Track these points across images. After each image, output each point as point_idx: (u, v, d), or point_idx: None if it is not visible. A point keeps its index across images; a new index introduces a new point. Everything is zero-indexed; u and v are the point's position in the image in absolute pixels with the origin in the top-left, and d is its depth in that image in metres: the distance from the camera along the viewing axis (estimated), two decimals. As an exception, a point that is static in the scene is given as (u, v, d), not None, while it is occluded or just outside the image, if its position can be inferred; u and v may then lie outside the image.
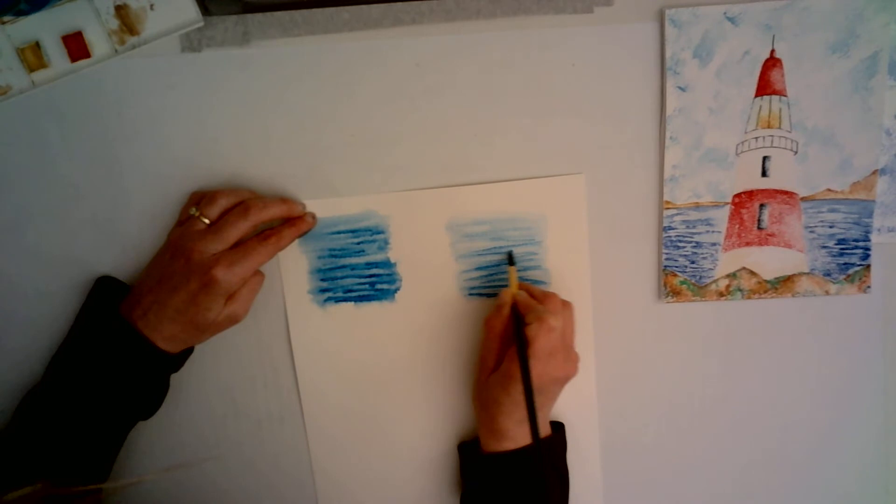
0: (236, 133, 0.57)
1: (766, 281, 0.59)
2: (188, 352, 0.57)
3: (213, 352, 0.59)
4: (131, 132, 0.57)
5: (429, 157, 0.58)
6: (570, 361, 0.54)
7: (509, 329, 0.53)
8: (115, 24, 0.54)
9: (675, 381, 0.61)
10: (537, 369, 0.50)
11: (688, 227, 0.59)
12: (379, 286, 0.59)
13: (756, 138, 0.57)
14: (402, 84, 0.57)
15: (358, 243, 0.59)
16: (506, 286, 0.58)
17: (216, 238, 0.52)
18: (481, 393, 0.55)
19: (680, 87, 0.57)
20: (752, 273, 0.59)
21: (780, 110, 0.57)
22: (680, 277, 0.59)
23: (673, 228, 0.59)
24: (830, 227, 0.58)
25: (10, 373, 0.57)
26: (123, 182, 0.57)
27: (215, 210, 0.53)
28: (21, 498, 0.44)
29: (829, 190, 0.58)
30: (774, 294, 0.59)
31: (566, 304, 0.55)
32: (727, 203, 0.58)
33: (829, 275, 0.59)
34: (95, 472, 0.54)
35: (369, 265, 0.59)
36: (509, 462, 0.53)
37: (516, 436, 0.52)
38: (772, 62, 0.56)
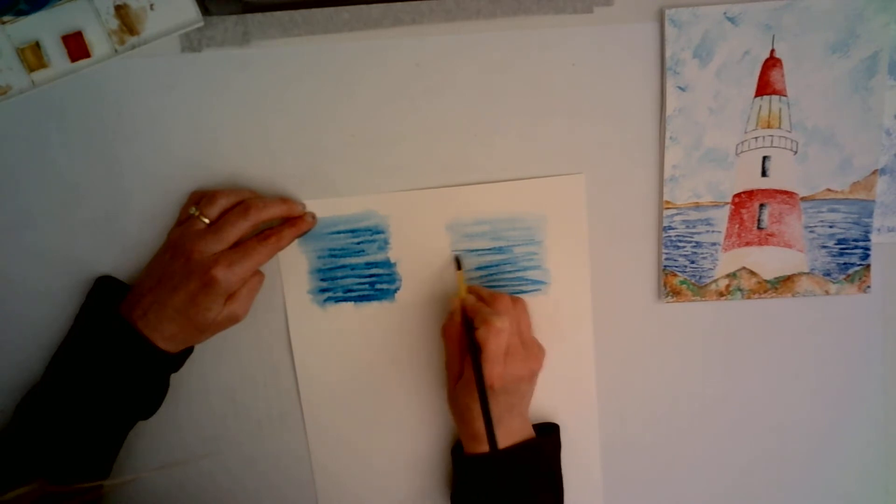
0: (236, 133, 0.57)
1: (766, 281, 0.59)
2: (188, 352, 0.57)
3: (213, 352, 0.59)
4: (131, 132, 0.57)
5: (429, 157, 0.58)
6: (531, 357, 0.54)
7: (465, 335, 0.53)
8: (115, 24, 0.54)
9: (675, 381, 0.61)
10: (496, 371, 0.50)
11: (688, 226, 0.59)
12: (379, 286, 0.59)
13: (756, 138, 0.57)
14: (402, 84, 0.57)
15: (358, 243, 0.59)
16: (504, 286, 0.59)
17: (216, 238, 0.52)
18: (453, 401, 0.55)
19: (680, 87, 0.57)
20: (752, 273, 0.59)
21: (780, 110, 0.57)
22: (680, 277, 0.59)
23: (673, 228, 0.59)
24: (830, 227, 0.58)
25: (10, 373, 0.57)
26: (123, 182, 0.57)
27: (215, 210, 0.54)
28: (18, 497, 0.44)
29: (829, 190, 0.58)
30: (774, 294, 0.59)
31: (517, 301, 0.55)
32: (727, 203, 0.58)
33: (829, 275, 0.59)
34: (95, 471, 0.54)
35: (369, 265, 0.59)
36: (489, 463, 0.53)
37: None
38: (772, 62, 0.56)
